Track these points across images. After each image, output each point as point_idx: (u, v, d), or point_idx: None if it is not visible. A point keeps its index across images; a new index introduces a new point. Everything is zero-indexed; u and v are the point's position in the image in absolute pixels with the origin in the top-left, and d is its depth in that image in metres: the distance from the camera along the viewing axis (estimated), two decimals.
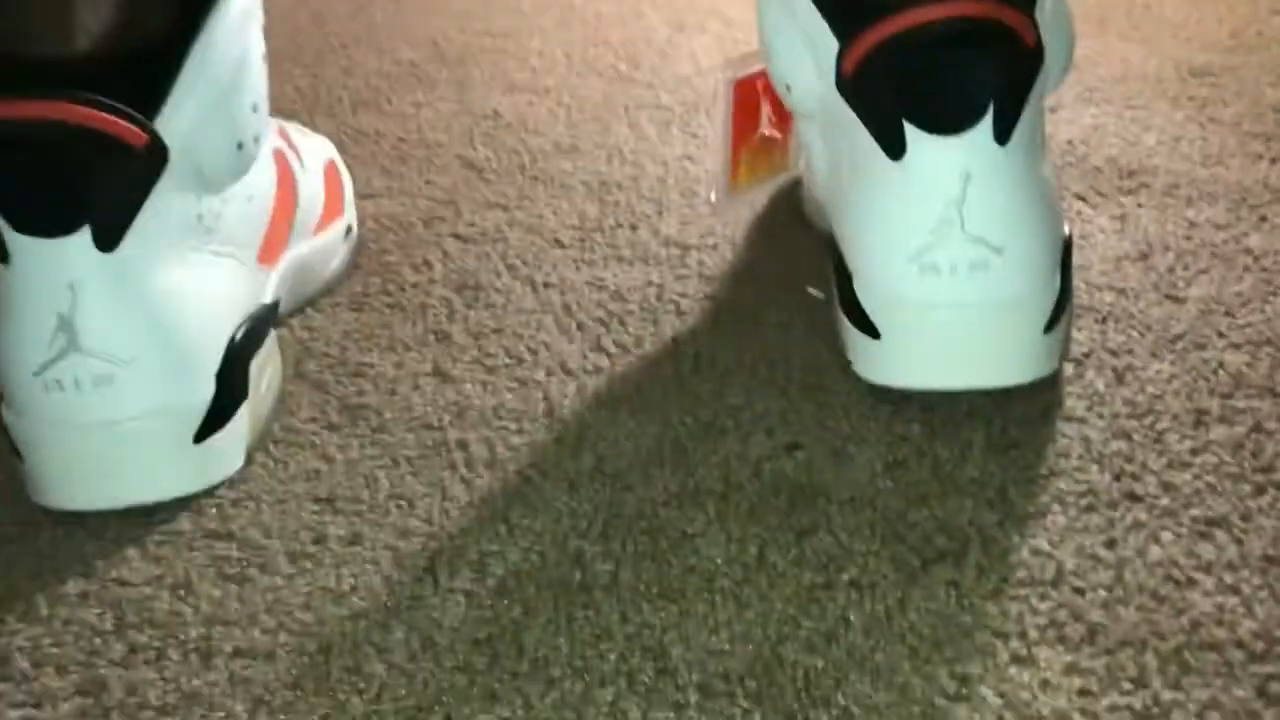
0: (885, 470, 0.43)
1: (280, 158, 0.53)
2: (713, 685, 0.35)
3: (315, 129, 0.68)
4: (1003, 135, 0.43)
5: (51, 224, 0.40)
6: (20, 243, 0.40)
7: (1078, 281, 0.54)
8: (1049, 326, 0.45)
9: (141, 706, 0.35)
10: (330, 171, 0.59)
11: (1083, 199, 0.63)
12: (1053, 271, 0.45)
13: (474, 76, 0.88)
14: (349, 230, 0.60)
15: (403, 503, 0.43)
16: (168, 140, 0.41)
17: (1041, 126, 0.46)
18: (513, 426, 0.47)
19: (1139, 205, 0.62)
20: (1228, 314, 0.52)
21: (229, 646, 0.37)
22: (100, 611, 0.39)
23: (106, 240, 0.40)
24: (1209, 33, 0.88)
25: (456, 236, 0.63)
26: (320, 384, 0.50)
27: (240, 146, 0.45)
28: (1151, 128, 0.72)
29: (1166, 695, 0.34)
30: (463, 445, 0.46)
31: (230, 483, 0.45)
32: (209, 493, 0.44)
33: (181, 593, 0.40)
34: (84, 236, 0.40)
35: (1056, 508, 0.41)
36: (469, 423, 0.47)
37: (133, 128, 0.40)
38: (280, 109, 0.81)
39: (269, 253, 0.50)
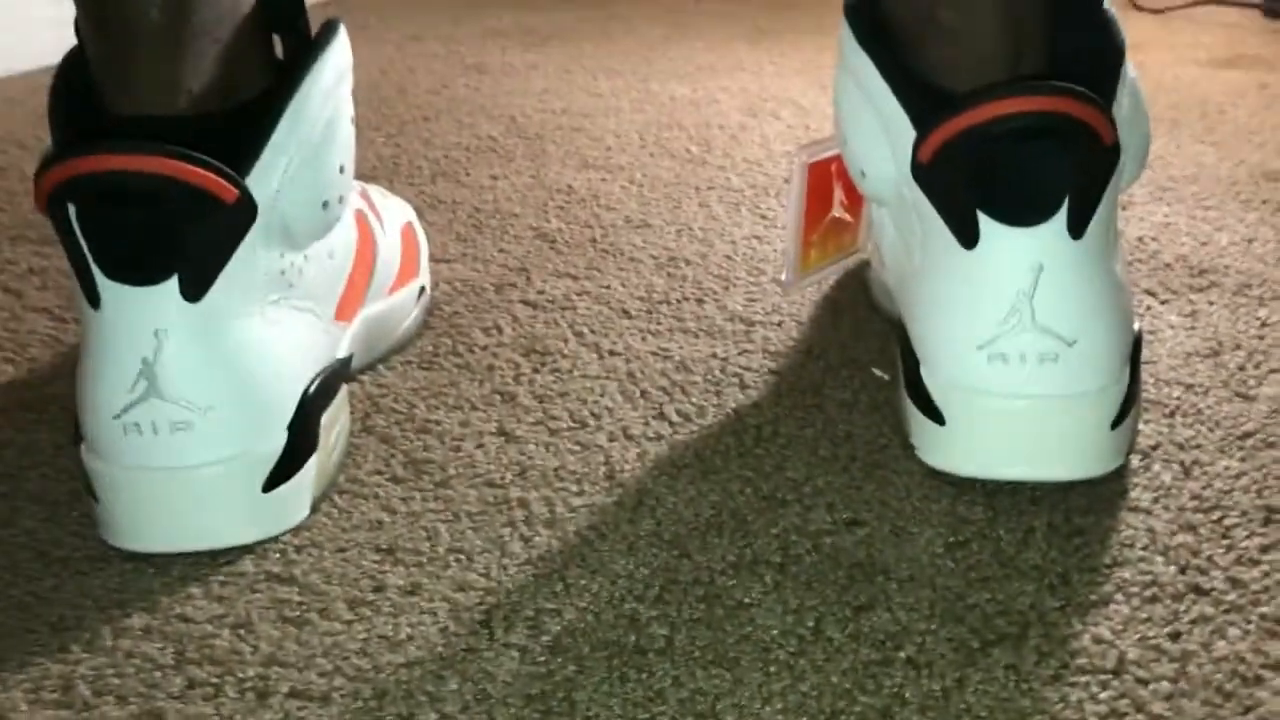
0: (946, 551, 0.43)
1: (361, 218, 0.54)
2: None
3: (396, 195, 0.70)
4: (1077, 229, 0.43)
5: (142, 272, 0.41)
6: (111, 289, 0.41)
7: (1146, 376, 0.54)
8: (1116, 422, 0.45)
9: None
10: (407, 233, 0.61)
11: (1153, 294, 0.63)
12: (1122, 367, 0.45)
13: (550, 152, 0.90)
14: (422, 291, 0.61)
15: (462, 557, 0.44)
16: (257, 196, 0.43)
17: (1114, 222, 0.47)
18: (574, 488, 0.48)
19: (1210, 303, 0.62)
20: None
21: (285, 687, 0.38)
22: (162, 646, 0.40)
23: (193, 290, 0.41)
24: None
25: (526, 303, 0.64)
26: (387, 438, 0.51)
27: (325, 205, 0.46)
28: (1224, 228, 0.72)
29: None
30: (524, 504, 0.47)
31: (294, 529, 0.45)
32: (274, 538, 0.45)
33: (241, 632, 0.40)
34: (172, 285, 0.41)
35: (1120, 597, 0.40)
36: (530, 482, 0.48)
37: (225, 183, 0.41)
38: (362, 175, 0.83)
39: (345, 309, 0.51)
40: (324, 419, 0.46)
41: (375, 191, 0.61)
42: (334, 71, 0.46)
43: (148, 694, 0.38)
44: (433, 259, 0.68)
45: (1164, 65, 1.11)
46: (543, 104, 1.03)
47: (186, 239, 0.41)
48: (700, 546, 0.44)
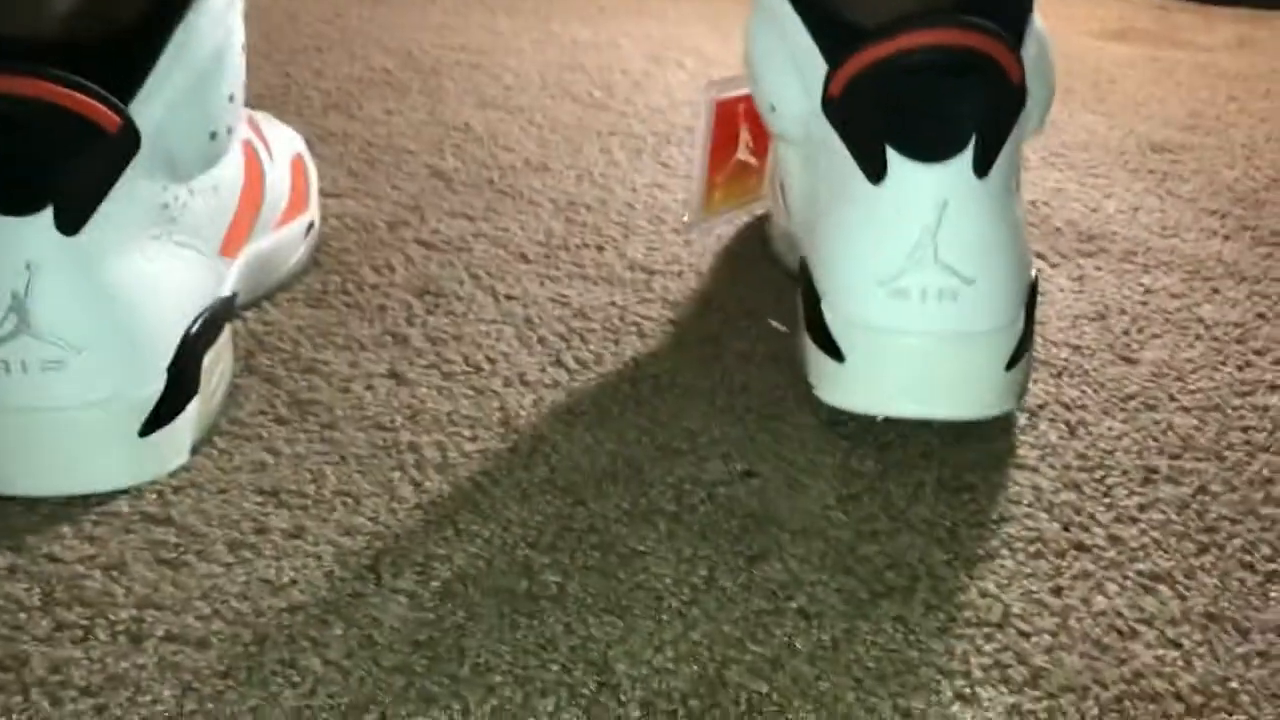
0: (838, 503, 0.43)
1: (249, 149, 0.52)
2: (655, 703, 0.34)
3: None
4: (982, 168, 0.43)
5: (13, 202, 0.38)
6: None
7: (1036, 337, 0.55)
8: (1010, 364, 0.45)
9: (64, 685, 0.34)
10: (297, 165, 0.58)
11: (1043, 258, 0.64)
12: (1018, 309, 0.45)
13: (447, 89, 0.88)
14: (311, 226, 0.59)
15: (349, 500, 0.42)
16: (140, 125, 0.40)
17: (1018, 167, 0.47)
18: (467, 433, 0.47)
19: (1097, 269, 0.63)
20: (1178, 378, 0.52)
21: (160, 630, 0.36)
22: (28, 587, 0.38)
23: (69, 223, 0.39)
24: (1170, 112, 0.91)
25: (420, 242, 0.62)
26: (272, 378, 0.49)
27: (214, 136, 0.44)
28: (1112, 196, 0.73)
29: None
30: (414, 448, 0.45)
31: (173, 471, 0.43)
32: (150, 480, 0.43)
33: (114, 573, 0.38)
34: (45, 217, 0.38)
35: (1005, 552, 0.41)
36: (422, 426, 0.47)
37: (106, 110, 0.39)
38: (250, 103, 0.80)
39: (231, 245, 0.49)
40: (206, 360, 0.44)
41: (263, 119, 0.59)
42: None
43: (11, 636, 0.36)
44: (323, 193, 0.65)
45: (1058, 36, 1.13)
46: (440, 39, 1.01)
47: (63, 168, 0.39)
48: (595, 495, 0.43)
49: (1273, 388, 0.52)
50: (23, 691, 0.34)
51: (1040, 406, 0.50)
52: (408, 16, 1.08)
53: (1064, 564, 0.40)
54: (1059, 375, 0.52)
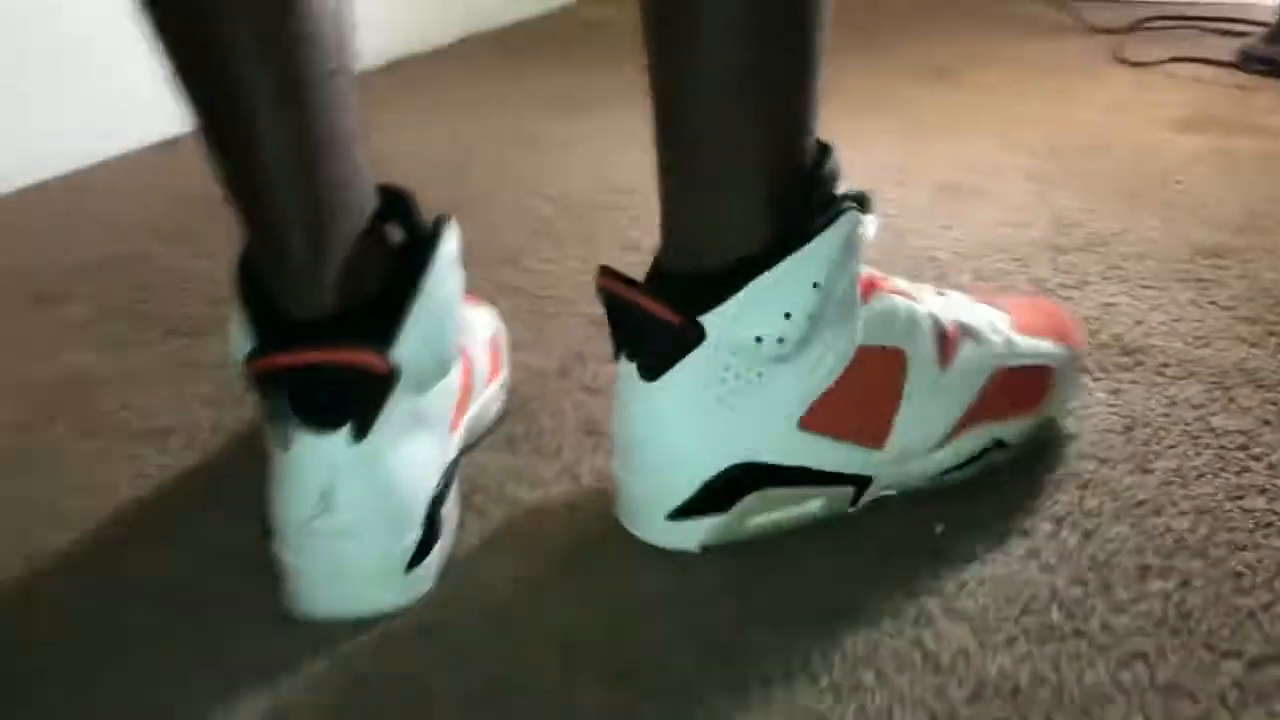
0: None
1: (464, 353, 0.70)
2: None
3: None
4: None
5: (322, 426, 0.57)
6: (300, 436, 0.57)
7: (1071, 449, 0.69)
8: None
9: None
10: (495, 341, 0.77)
11: (1088, 372, 0.78)
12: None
13: (599, 235, 1.06)
14: (504, 384, 0.78)
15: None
16: (400, 364, 0.58)
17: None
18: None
19: (1133, 382, 0.77)
20: (1183, 485, 0.66)
21: None
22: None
23: (359, 434, 0.57)
24: (1227, 213, 1.03)
25: (584, 389, 0.80)
26: (483, 513, 0.68)
27: (444, 363, 0.62)
28: (1158, 308, 0.87)
29: None
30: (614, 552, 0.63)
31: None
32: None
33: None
34: (343, 434, 0.57)
35: (1021, 637, 0.56)
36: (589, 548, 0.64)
37: (377, 359, 0.57)
38: None
39: (455, 422, 0.67)
40: (443, 511, 0.63)
41: (464, 308, 0.77)
42: (448, 258, 0.62)
43: None
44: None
45: (1135, 130, 1.25)
46: (591, 184, 1.19)
47: (354, 400, 0.57)
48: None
49: (1262, 491, 0.65)
50: None
51: (1065, 515, 0.64)
52: (562, 157, 1.27)
53: (1064, 646, 0.55)
54: (1084, 487, 0.66)
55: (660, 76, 0.58)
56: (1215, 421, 0.72)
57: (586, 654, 0.57)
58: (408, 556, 0.60)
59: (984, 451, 0.66)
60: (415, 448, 0.61)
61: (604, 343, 0.85)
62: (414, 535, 0.60)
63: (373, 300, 0.60)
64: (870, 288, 0.63)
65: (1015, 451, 0.68)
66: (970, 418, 0.65)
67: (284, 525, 0.58)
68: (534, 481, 0.70)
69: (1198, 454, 0.69)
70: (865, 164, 1.20)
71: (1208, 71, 1.44)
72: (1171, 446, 0.70)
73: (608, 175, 1.20)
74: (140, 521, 0.68)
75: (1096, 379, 0.77)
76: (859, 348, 0.62)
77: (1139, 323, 0.85)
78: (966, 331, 0.66)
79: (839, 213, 0.59)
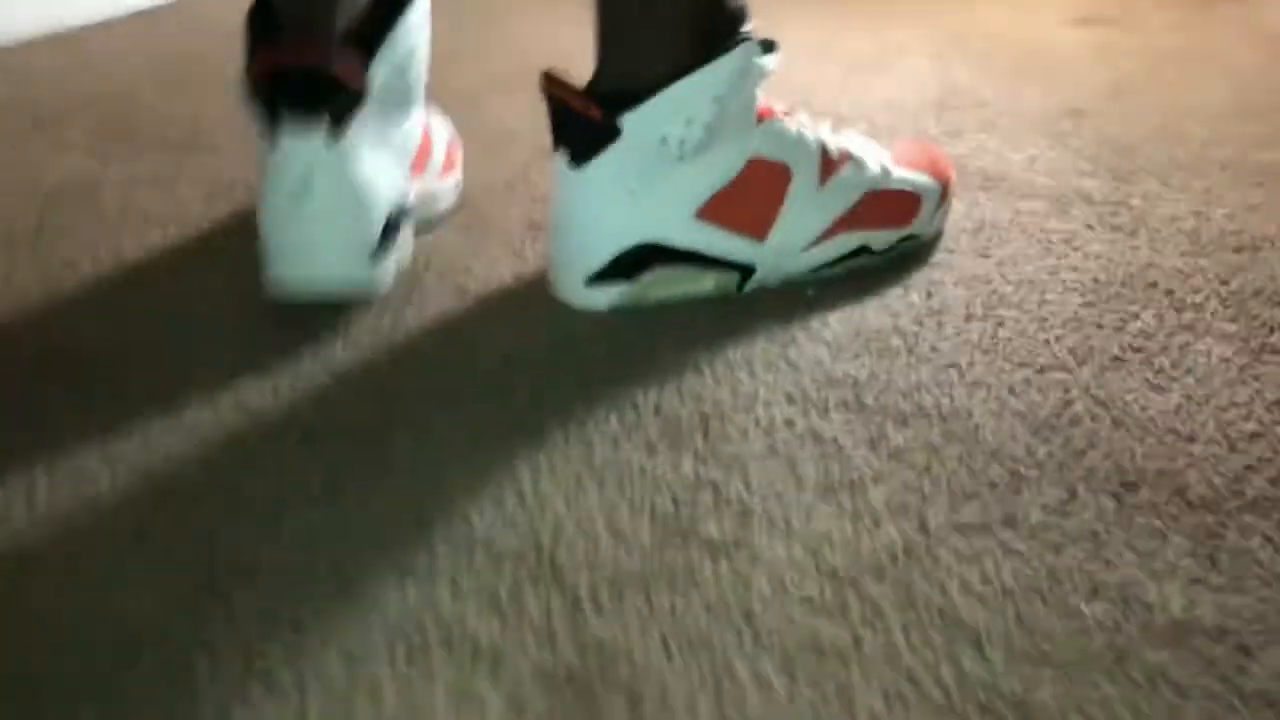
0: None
1: (424, 130, 0.84)
2: None
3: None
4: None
5: (302, 125, 0.71)
6: (286, 135, 0.71)
7: (925, 248, 0.84)
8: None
9: None
10: (450, 146, 0.91)
11: (955, 193, 0.93)
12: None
13: None
14: (458, 184, 0.91)
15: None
16: (371, 82, 0.73)
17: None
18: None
19: (987, 200, 0.92)
20: (1013, 265, 0.81)
21: None
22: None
23: (334, 136, 0.71)
24: (1095, 83, 1.18)
25: (530, 198, 0.94)
26: (440, 274, 0.81)
27: (408, 98, 0.77)
28: (1020, 150, 1.02)
29: None
30: (534, 304, 0.77)
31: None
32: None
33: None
34: (319, 134, 0.71)
35: (865, 354, 0.70)
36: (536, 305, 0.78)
37: (356, 74, 0.72)
38: None
39: (415, 166, 0.82)
40: (401, 226, 0.78)
41: (432, 111, 0.91)
42: (421, 10, 0.78)
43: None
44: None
45: (1028, 26, 1.40)
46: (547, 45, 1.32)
47: (330, 105, 0.71)
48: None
49: (1073, 268, 0.80)
50: None
51: (913, 283, 0.79)
52: (523, 28, 1.39)
53: (896, 359, 0.70)
54: (932, 266, 0.81)
55: None
56: (1048, 224, 0.87)
57: (520, 361, 0.71)
58: (371, 245, 0.75)
59: (852, 254, 0.80)
60: (380, 161, 0.76)
61: (547, 165, 1.00)
62: (376, 228, 0.75)
63: (354, 29, 0.74)
64: (768, 113, 0.77)
65: (881, 259, 0.82)
66: (841, 225, 0.79)
67: (270, 210, 0.72)
68: (484, 258, 0.84)
69: (1029, 246, 0.84)
70: (791, 44, 1.34)
71: None
72: (1009, 240, 0.85)
73: (557, 44, 1.33)
74: (148, 274, 0.82)
75: (959, 197, 0.92)
76: (752, 158, 0.75)
77: (1002, 160, 1.00)
78: (848, 157, 0.80)
79: (738, 43, 0.73)
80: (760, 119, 0.76)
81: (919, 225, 0.83)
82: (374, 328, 0.74)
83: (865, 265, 0.80)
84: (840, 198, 0.79)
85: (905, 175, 0.82)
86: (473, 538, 0.55)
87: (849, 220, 0.79)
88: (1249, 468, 0.59)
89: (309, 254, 0.73)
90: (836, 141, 0.80)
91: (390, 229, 0.76)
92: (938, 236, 0.85)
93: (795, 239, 0.78)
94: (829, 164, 0.78)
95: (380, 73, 0.74)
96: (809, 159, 0.78)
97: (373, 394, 0.67)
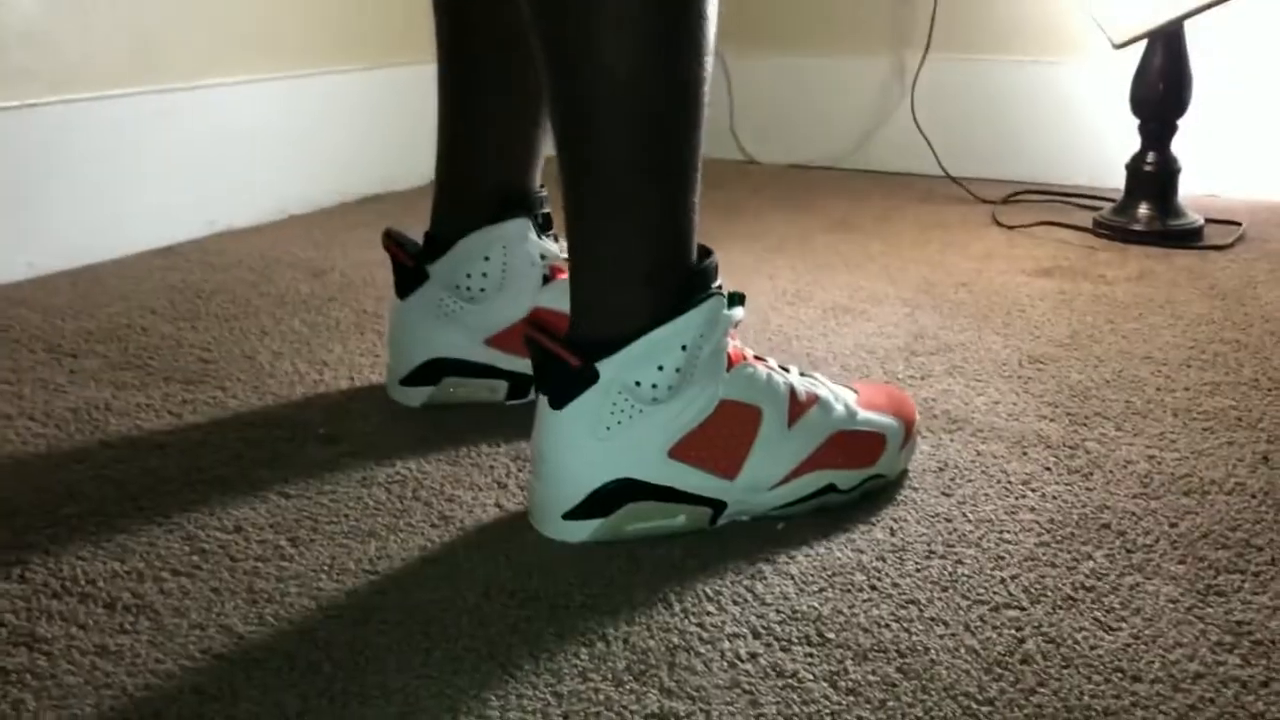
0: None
1: None
2: None
3: None
4: (557, 405, 0.79)
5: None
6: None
7: (891, 487, 0.88)
8: (569, 516, 0.80)
9: None
10: None
11: (918, 433, 0.98)
12: (579, 489, 0.80)
13: None
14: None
15: None
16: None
17: (614, 414, 0.79)
18: (543, 545, 0.81)
19: (951, 441, 0.97)
20: (973, 505, 0.85)
21: None
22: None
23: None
24: (1055, 333, 1.25)
25: (514, 428, 0.98)
26: (424, 512, 0.85)
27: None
28: (984, 395, 1.07)
29: None
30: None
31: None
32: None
33: None
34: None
35: (829, 588, 0.73)
36: (513, 531, 0.82)
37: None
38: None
39: None
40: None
41: None
42: None
43: None
44: (448, 401, 1.02)
45: (997, 274, 1.49)
46: None
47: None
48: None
49: (1031, 509, 0.84)
50: None
51: (878, 520, 0.83)
52: None
53: (860, 595, 0.73)
54: (897, 504, 0.85)
55: (564, 193, 0.79)
56: (1009, 467, 0.92)
57: (499, 591, 0.74)
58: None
59: (819, 492, 0.85)
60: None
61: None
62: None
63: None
64: (740, 358, 0.83)
65: (847, 497, 0.86)
66: (809, 464, 0.84)
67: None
68: (470, 486, 0.88)
69: (989, 486, 0.88)
70: (771, 288, 1.42)
71: (1067, 234, 1.69)
72: (970, 480, 0.89)
73: None
74: (146, 498, 0.85)
75: (923, 438, 0.97)
76: (723, 401, 0.81)
77: (966, 404, 1.05)
78: (815, 400, 0.86)
79: (706, 297, 0.80)
80: (731, 364, 0.82)
81: (884, 464, 0.87)
82: (360, 555, 0.77)
83: (831, 502, 0.84)
84: (808, 438, 0.83)
85: (870, 417, 0.87)
86: None
87: (816, 460, 0.84)
88: (1192, 707, 0.61)
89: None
90: (805, 384, 0.86)
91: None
92: (903, 475, 0.90)
93: (764, 477, 0.82)
94: (797, 406, 0.84)
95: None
96: (778, 401, 0.83)
97: (354, 621, 0.70)
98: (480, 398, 1.03)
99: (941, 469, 0.91)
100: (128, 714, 0.61)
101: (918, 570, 0.76)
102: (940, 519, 0.83)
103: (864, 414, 0.87)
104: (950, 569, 0.76)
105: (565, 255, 0.95)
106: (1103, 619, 0.70)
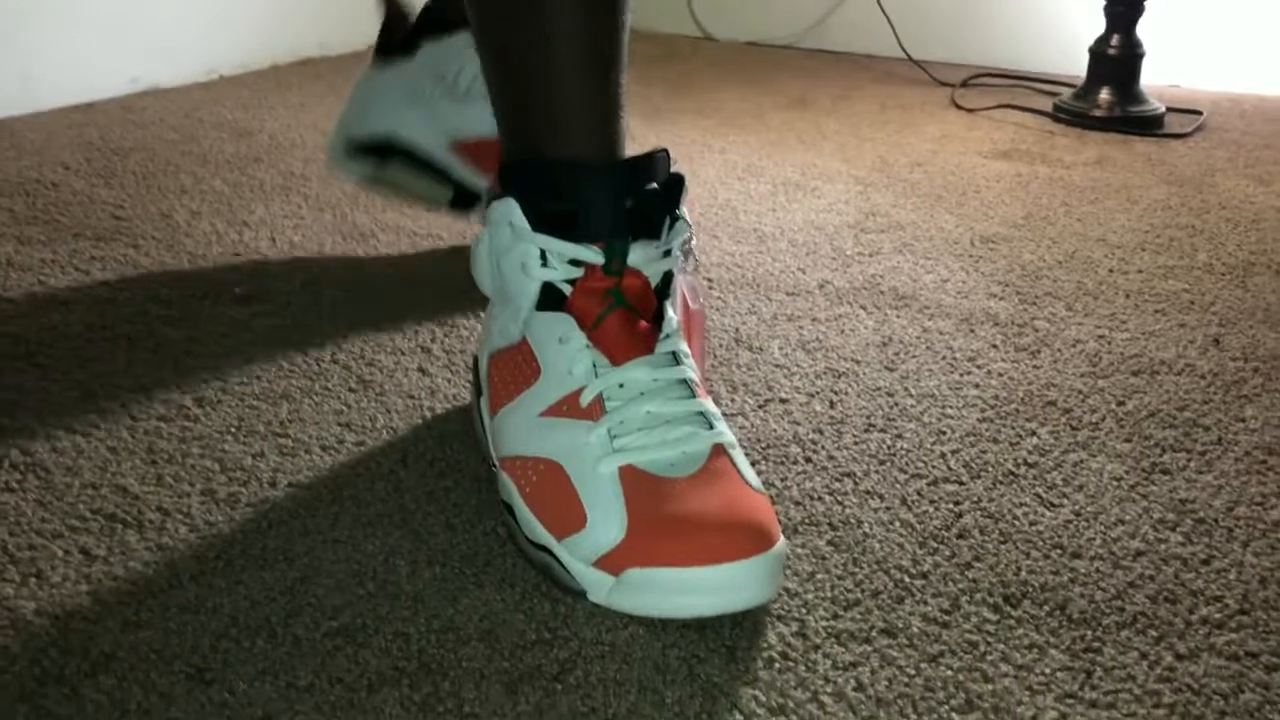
0: None
1: None
2: None
3: (355, 220, 0.99)
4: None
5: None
6: None
7: (832, 355, 0.84)
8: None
9: None
10: None
11: (863, 309, 0.94)
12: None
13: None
14: None
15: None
16: None
17: None
18: (462, 408, 0.77)
19: (897, 317, 0.93)
20: (916, 380, 0.82)
21: None
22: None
23: None
24: (1009, 214, 1.21)
25: (437, 296, 0.94)
26: None
27: None
28: (933, 272, 1.03)
29: None
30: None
31: None
32: None
33: None
34: None
35: (763, 462, 0.70)
36: (436, 399, 0.77)
37: None
38: (331, 204, 1.12)
39: None
40: None
41: None
42: None
43: None
44: (382, 264, 0.97)
45: (953, 155, 1.45)
46: None
47: None
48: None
49: (975, 385, 0.81)
50: None
51: (818, 392, 0.79)
52: None
53: (794, 468, 0.70)
54: (838, 376, 0.82)
55: None
56: (955, 343, 0.88)
57: (418, 454, 0.70)
58: None
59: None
60: None
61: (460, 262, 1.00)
62: None
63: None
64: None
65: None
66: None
67: None
68: (393, 351, 0.84)
69: (934, 362, 0.85)
70: (721, 162, 1.37)
71: (1026, 118, 1.65)
72: (915, 356, 0.86)
73: None
74: (42, 352, 0.80)
75: (869, 313, 0.94)
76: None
77: (914, 280, 1.01)
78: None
79: None
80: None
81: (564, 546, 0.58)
82: (270, 417, 0.73)
83: None
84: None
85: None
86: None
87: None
88: (1131, 584, 0.59)
89: None
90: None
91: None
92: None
93: None
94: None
95: None
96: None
97: (260, 484, 0.66)
98: (417, 195, 0.96)
99: (885, 344, 0.88)
100: (7, 575, 0.57)
101: (855, 444, 0.73)
102: (882, 393, 0.80)
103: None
104: (889, 443, 0.73)
105: None
106: (1044, 495, 0.68)
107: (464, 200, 0.95)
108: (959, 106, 1.70)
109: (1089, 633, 0.55)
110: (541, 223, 0.62)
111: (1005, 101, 1.71)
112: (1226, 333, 0.92)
